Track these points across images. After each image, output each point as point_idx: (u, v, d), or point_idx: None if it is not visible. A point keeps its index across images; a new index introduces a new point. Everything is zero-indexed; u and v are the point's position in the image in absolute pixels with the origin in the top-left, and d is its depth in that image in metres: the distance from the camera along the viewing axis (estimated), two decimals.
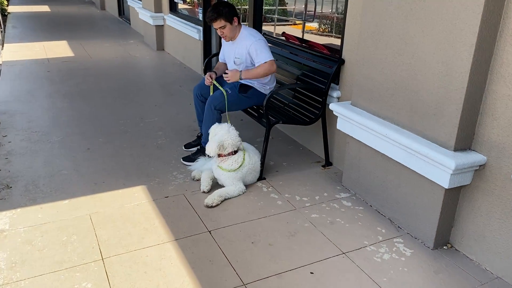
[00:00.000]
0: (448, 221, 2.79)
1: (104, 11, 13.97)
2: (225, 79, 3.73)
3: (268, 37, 4.64)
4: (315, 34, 4.44)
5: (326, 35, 4.29)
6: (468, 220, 2.72)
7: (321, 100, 3.65)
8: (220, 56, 4.14)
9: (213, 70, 4.00)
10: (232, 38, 3.81)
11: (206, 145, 3.39)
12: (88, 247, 2.75)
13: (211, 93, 3.84)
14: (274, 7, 5.26)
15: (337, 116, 3.37)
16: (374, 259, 2.71)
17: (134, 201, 3.27)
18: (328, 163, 3.90)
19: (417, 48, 2.69)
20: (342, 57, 3.61)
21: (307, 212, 3.18)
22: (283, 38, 4.84)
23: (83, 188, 3.43)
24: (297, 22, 5.10)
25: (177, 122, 4.87)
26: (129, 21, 11.27)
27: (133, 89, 6.00)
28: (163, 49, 8.50)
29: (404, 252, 2.78)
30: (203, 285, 2.45)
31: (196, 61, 6.94)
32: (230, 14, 3.67)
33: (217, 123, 3.50)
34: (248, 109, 3.87)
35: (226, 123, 3.43)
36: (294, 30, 4.94)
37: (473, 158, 2.53)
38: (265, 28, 5.15)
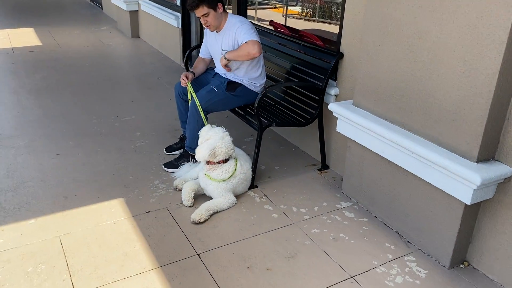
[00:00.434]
0: (465, 237, 2.50)
1: None
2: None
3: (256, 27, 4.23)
4: (298, 19, 4.09)
5: (312, 21, 3.92)
6: (489, 236, 2.44)
7: (317, 98, 3.30)
8: (201, 49, 3.71)
9: (191, 70, 3.58)
10: (217, 28, 3.40)
11: (196, 149, 3.01)
12: (58, 279, 2.37)
13: (189, 97, 3.44)
14: None
15: (334, 116, 3.03)
16: (386, 283, 2.40)
17: (110, 219, 2.88)
18: (324, 166, 3.57)
19: (433, 44, 2.35)
20: (340, 51, 3.25)
21: (306, 227, 2.85)
22: (271, 27, 4.44)
23: (51, 204, 3.01)
24: (277, 5, 4.74)
25: (156, 120, 4.45)
26: (101, 5, 10.63)
27: (107, 83, 5.53)
28: (138, 37, 7.98)
29: (418, 273, 2.48)
30: None
31: (174, 50, 6.48)
32: (214, 0, 3.26)
33: (209, 125, 3.11)
34: (237, 109, 3.49)
35: (219, 127, 3.04)
36: (275, 15, 4.57)
37: (500, 170, 2.23)
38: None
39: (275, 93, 3.69)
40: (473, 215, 2.45)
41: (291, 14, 4.37)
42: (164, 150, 3.78)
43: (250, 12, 4.80)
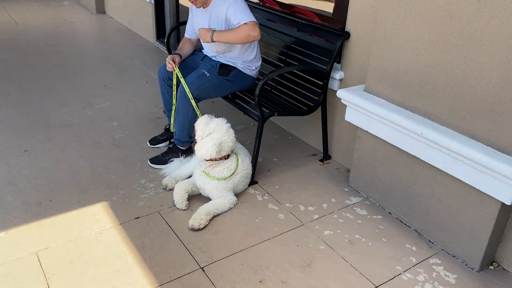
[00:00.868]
0: (496, 237, 2.29)
1: None
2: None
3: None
4: None
5: None
6: None
7: (321, 83, 2.98)
8: (187, 28, 3.30)
9: (176, 51, 3.17)
10: (204, 4, 2.99)
11: (197, 145, 2.64)
12: None
13: (174, 82, 3.05)
14: None
15: (338, 102, 2.73)
16: None
17: (95, 228, 2.51)
18: (326, 156, 3.28)
19: (468, 23, 2.06)
20: (346, 30, 2.93)
21: (317, 229, 2.57)
22: (258, 1, 4.05)
23: (23, 212, 2.60)
24: None
25: (134, 107, 4.03)
26: None
27: (74, 65, 5.00)
28: (104, 12, 7.36)
29: (447, 278, 2.26)
30: None
31: (146, 28, 5.97)
32: None
33: (206, 116, 2.73)
34: (230, 96, 3.13)
35: (220, 118, 2.69)
36: None
37: None
38: None
39: (274, 79, 3.33)
40: (507, 213, 2.23)
41: None
42: (148, 143, 3.39)
43: None
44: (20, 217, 2.56)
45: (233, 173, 2.65)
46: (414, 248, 2.46)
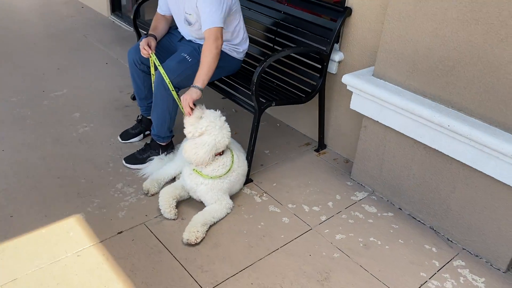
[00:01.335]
0: None
1: None
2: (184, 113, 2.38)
3: None
4: None
5: None
6: None
7: (319, 67, 2.65)
8: (159, 3, 2.81)
9: (150, 33, 2.70)
10: None
11: (186, 146, 2.26)
12: None
13: (152, 71, 2.63)
14: None
15: (335, 86, 2.45)
16: None
17: (71, 248, 2.10)
18: (322, 145, 3.00)
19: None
20: (347, 5, 2.60)
21: (328, 233, 2.30)
22: None
23: None
24: None
25: (96, 94, 3.53)
26: None
27: (19, 44, 4.35)
28: None
29: (476, 283, 2.07)
30: None
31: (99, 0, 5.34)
32: None
33: (199, 106, 2.34)
34: (216, 82, 2.74)
35: (214, 111, 2.32)
36: None
37: None
38: None
39: (259, 58, 2.97)
40: None
41: None
42: (119, 138, 2.96)
43: None
44: None
45: (228, 170, 2.31)
46: (434, 249, 2.25)
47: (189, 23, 2.56)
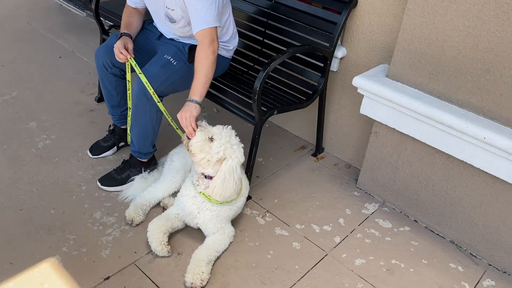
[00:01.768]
0: None
1: None
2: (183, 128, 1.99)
3: None
4: None
5: None
6: None
7: (321, 65, 2.34)
8: None
9: (124, 31, 2.25)
10: None
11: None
12: None
13: (128, 77, 2.22)
14: None
15: (335, 85, 2.18)
16: None
17: None
18: (319, 149, 2.72)
19: None
20: None
21: (345, 258, 2.05)
22: None
23: None
24: None
25: (53, 96, 3.04)
26: None
27: None
28: None
29: None
30: None
31: None
32: None
33: (199, 123, 1.96)
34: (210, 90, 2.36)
35: (220, 126, 1.96)
36: None
37: None
38: None
39: (252, 57, 2.60)
40: None
41: None
42: (89, 152, 2.53)
43: None
44: None
45: (238, 194, 1.99)
46: (460, 268, 2.06)
47: (172, 20, 2.16)
